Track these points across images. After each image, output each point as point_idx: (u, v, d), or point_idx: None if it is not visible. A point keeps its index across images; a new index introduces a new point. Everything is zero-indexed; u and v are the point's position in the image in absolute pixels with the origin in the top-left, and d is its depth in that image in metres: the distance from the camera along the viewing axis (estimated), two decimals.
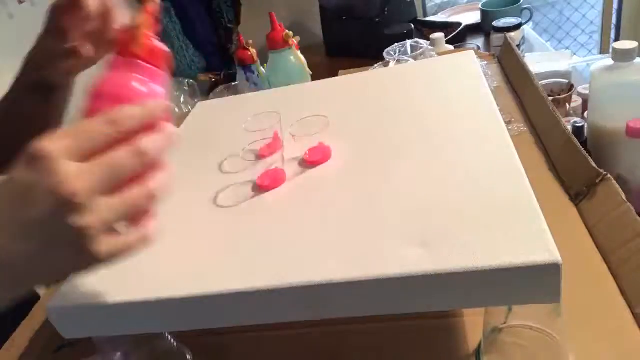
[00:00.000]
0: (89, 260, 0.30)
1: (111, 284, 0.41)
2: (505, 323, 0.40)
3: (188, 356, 0.50)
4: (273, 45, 0.92)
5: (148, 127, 0.32)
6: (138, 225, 0.33)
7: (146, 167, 0.31)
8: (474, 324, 0.47)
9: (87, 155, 0.29)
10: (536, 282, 0.33)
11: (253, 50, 0.95)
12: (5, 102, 0.62)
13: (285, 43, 0.91)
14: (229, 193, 0.49)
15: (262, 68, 0.98)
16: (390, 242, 0.37)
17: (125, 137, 0.31)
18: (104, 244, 0.30)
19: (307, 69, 0.94)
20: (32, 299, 0.67)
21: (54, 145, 0.28)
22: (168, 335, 0.49)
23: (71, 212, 0.28)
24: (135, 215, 0.32)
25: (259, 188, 0.49)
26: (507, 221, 0.36)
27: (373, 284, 0.35)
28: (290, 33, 0.90)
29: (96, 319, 0.41)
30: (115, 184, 0.30)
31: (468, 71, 0.60)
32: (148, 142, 0.31)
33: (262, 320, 0.40)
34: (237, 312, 0.39)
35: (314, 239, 0.40)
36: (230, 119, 0.67)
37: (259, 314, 0.39)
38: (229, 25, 1.81)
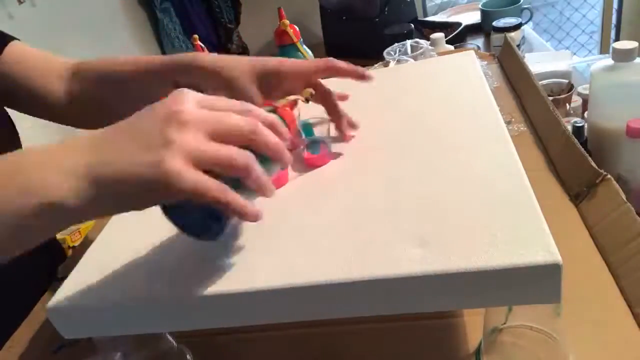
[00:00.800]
0: (164, 174, 0.31)
1: (111, 284, 0.42)
2: (505, 323, 0.40)
3: (188, 356, 0.50)
4: (282, 40, 0.92)
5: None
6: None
7: (252, 139, 0.34)
8: (474, 324, 0.47)
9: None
10: (536, 283, 0.33)
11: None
12: (136, 73, 0.59)
13: (291, 37, 0.91)
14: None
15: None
16: (390, 242, 0.37)
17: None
18: (181, 165, 0.31)
19: None
20: (32, 299, 0.67)
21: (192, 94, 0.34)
22: (168, 335, 0.49)
23: (172, 122, 0.32)
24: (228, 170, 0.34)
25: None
26: (507, 221, 0.36)
27: (373, 284, 0.35)
28: (287, 22, 0.90)
29: (96, 319, 0.41)
30: (220, 134, 0.33)
31: (468, 71, 0.60)
32: (264, 129, 0.35)
33: (262, 320, 0.40)
34: (237, 312, 0.39)
35: (314, 239, 0.40)
36: None
37: (259, 314, 0.39)
38: (229, 25, 1.82)
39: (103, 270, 0.44)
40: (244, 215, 0.34)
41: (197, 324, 0.41)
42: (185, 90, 0.35)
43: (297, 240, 0.41)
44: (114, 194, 0.32)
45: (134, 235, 0.47)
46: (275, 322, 0.40)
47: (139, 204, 0.34)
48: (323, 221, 0.42)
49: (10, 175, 0.32)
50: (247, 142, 0.34)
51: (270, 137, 0.35)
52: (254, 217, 0.35)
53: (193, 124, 0.32)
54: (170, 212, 0.36)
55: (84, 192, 0.31)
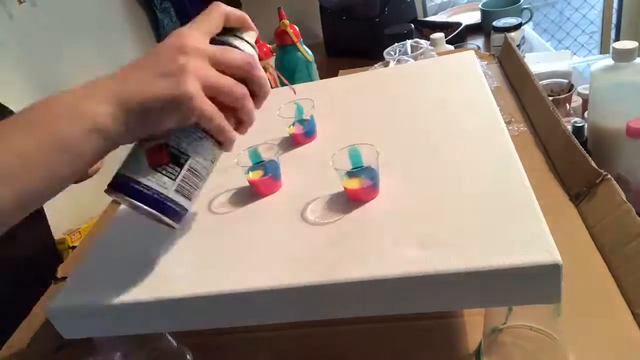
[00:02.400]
0: (181, 95, 0.35)
1: (111, 284, 0.41)
2: (505, 323, 0.40)
3: (188, 356, 0.50)
4: (282, 40, 0.92)
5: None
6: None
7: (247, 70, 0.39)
8: (474, 324, 0.47)
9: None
10: (536, 283, 0.33)
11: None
12: None
13: (291, 37, 0.91)
14: (229, 194, 0.49)
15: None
16: (390, 242, 0.37)
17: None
18: (196, 88, 0.36)
19: (314, 63, 0.95)
20: (32, 299, 0.67)
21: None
22: (168, 335, 0.49)
23: (181, 52, 0.36)
24: (226, 104, 0.39)
25: (257, 193, 0.49)
26: (507, 221, 0.36)
27: (373, 284, 0.35)
28: (287, 22, 0.90)
29: (96, 319, 0.41)
30: (221, 64, 0.38)
31: (468, 71, 0.60)
32: (258, 63, 0.40)
33: (262, 320, 0.40)
34: (237, 312, 0.39)
35: (314, 239, 0.40)
36: None
37: (259, 314, 0.39)
38: None
39: (103, 270, 0.44)
40: (228, 142, 0.40)
41: (197, 324, 0.41)
42: (184, 28, 0.38)
43: (297, 241, 0.41)
44: (140, 116, 0.36)
45: (134, 236, 0.47)
46: (276, 322, 0.40)
47: (161, 125, 0.37)
48: (323, 222, 0.42)
49: (54, 108, 0.36)
50: (242, 74, 0.39)
51: (262, 72, 0.40)
52: (231, 144, 0.40)
53: (199, 53, 0.37)
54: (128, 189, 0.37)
55: (118, 117, 0.35)
